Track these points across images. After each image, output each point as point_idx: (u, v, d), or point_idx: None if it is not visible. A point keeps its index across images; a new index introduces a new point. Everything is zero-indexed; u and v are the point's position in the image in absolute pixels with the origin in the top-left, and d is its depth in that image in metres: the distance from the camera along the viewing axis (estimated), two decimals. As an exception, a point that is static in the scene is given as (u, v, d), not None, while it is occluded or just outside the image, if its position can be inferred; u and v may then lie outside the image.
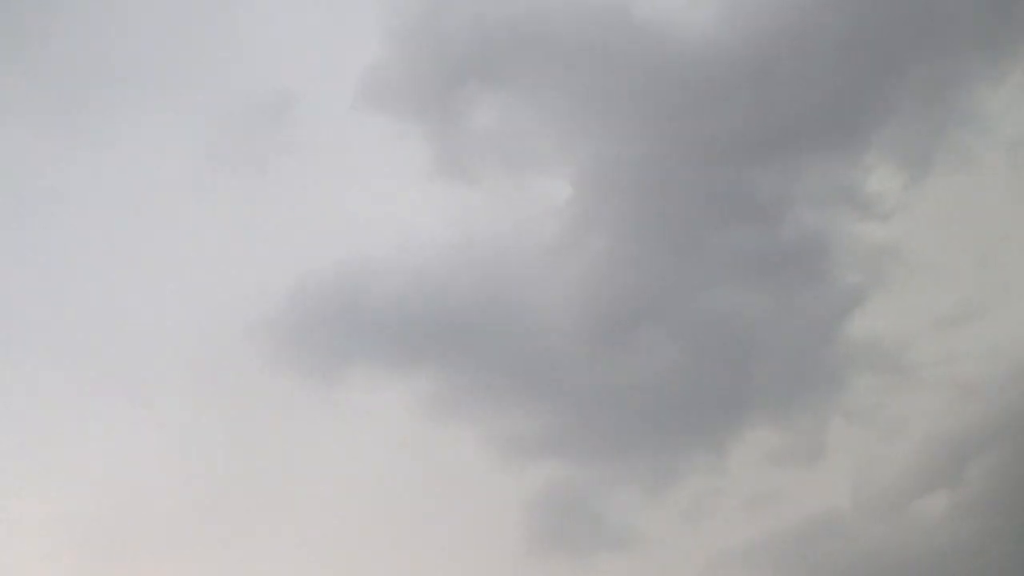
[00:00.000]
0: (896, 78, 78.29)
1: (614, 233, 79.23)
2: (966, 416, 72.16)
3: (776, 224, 78.27)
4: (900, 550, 68.52)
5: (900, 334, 75.78)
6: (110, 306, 78.86)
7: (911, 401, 73.89)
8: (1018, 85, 77.21)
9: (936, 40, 78.33)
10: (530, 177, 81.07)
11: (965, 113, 78.00)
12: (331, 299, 78.35)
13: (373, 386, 77.54)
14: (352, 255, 79.00)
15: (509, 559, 71.98)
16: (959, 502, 69.84)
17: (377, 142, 79.88)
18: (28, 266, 78.27)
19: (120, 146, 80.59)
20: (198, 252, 79.92)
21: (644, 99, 77.63)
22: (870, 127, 78.60)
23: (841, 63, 77.14)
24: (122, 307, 79.27)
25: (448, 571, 71.14)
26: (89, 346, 77.10)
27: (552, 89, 79.19)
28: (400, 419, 76.22)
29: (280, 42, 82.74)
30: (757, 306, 77.49)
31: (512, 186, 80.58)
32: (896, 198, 77.68)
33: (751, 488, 73.54)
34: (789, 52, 76.15)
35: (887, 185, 77.89)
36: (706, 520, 72.91)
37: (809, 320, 77.08)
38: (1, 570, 67.61)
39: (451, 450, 75.42)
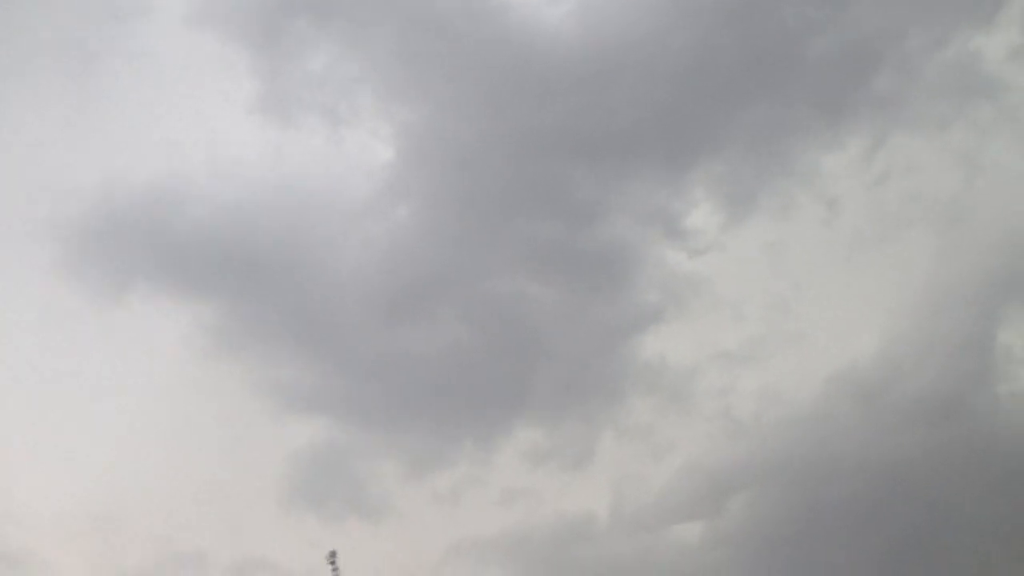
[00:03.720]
0: (735, 115, 79.57)
1: (423, 205, 78.96)
2: (734, 451, 73.40)
3: (586, 227, 78.64)
4: (648, 568, 68.92)
5: (686, 362, 76.82)
6: None
7: (684, 428, 75.10)
8: (849, 148, 79.72)
9: (778, 90, 79.89)
10: (350, 132, 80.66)
11: (794, 164, 79.83)
12: (132, 213, 76.48)
13: (156, 310, 76.33)
14: (163, 173, 77.79)
15: (263, 509, 71.07)
16: (714, 533, 70.88)
17: (206, 64, 79.12)
18: None
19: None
20: (10, 137, 78.29)
21: (480, 77, 77.52)
22: (701, 157, 79.88)
23: (683, 89, 78.01)
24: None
25: (199, 512, 70.16)
26: None
27: (386, 46, 78.72)
28: (176, 349, 75.24)
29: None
30: (551, 303, 77.94)
31: (331, 138, 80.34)
32: (712, 237, 79.15)
33: (511, 483, 73.72)
34: (634, 66, 76.68)
35: (707, 222, 79.31)
36: (461, 506, 72.93)
37: (599, 328, 77.67)
38: None
39: (222, 390, 74.34)
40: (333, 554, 39.56)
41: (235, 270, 77.46)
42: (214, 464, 71.81)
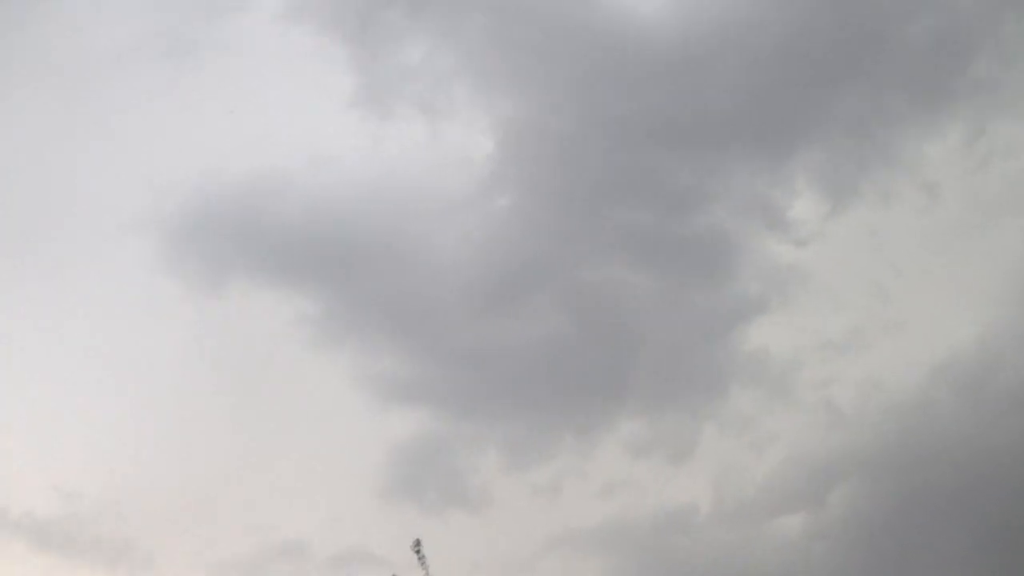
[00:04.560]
0: (833, 102, 78.93)
1: (521, 195, 78.95)
2: (835, 442, 72.73)
3: (685, 215, 78.56)
4: (749, 561, 68.51)
5: (788, 353, 76.10)
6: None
7: (785, 419, 74.45)
8: (949, 135, 78.64)
9: (876, 76, 79.09)
10: (447, 124, 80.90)
11: (894, 152, 79.07)
12: (230, 207, 77.40)
13: (254, 302, 77.07)
14: (260, 165, 78.37)
15: (362, 500, 71.37)
16: (816, 525, 70.31)
17: (302, 58, 79.68)
18: None
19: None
20: (111, 131, 79.53)
21: (575, 66, 77.54)
22: (799, 145, 79.21)
23: (780, 75, 77.49)
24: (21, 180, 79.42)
25: (299, 503, 70.66)
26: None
27: (480, 36, 79.41)
28: (275, 341, 75.93)
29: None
30: (650, 293, 77.59)
31: (429, 130, 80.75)
32: (814, 227, 78.54)
33: (611, 474, 73.26)
34: (730, 52, 76.39)
35: (809, 211, 78.69)
36: (561, 498, 72.56)
37: (700, 319, 77.26)
38: None
39: (322, 381, 74.72)
40: (418, 542, 39.57)
41: (334, 263, 78.22)
42: (315, 454, 72.42)
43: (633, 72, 76.79)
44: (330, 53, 79.90)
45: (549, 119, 77.52)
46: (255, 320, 76.54)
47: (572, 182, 77.96)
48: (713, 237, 77.96)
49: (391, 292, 77.66)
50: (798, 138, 79.25)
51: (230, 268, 78.29)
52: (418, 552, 38.62)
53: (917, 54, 78.32)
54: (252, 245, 78.71)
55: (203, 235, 77.75)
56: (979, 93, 78.31)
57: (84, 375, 73.64)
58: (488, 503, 72.73)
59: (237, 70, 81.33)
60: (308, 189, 78.44)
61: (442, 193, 78.91)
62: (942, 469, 67.71)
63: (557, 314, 77.22)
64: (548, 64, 77.92)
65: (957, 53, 78.36)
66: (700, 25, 76.20)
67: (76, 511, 68.94)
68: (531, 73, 78.48)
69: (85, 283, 76.26)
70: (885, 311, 76.37)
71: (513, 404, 75.98)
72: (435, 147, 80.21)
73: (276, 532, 68.92)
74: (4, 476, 67.64)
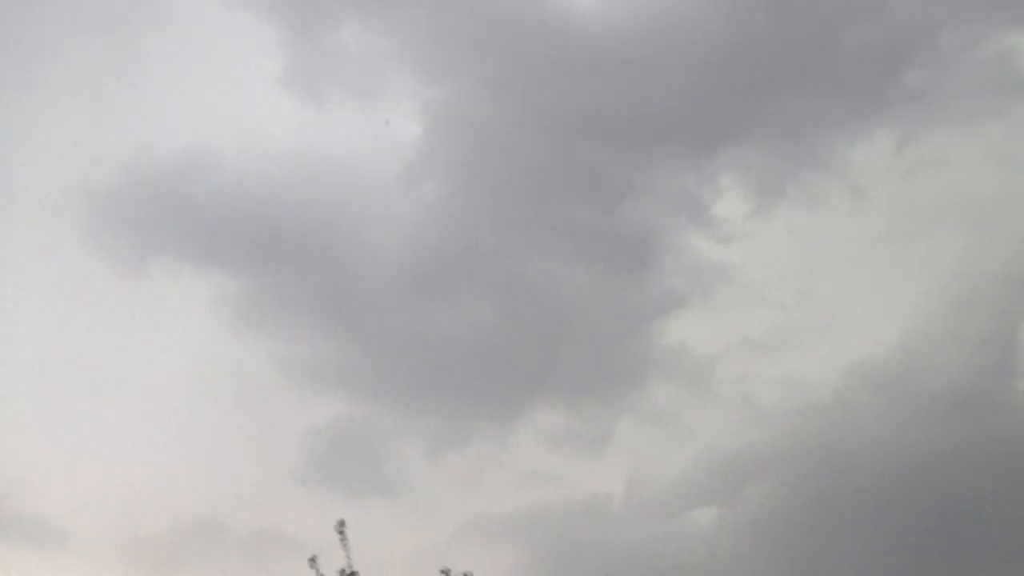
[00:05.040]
0: (767, 104, 79.49)
1: (451, 184, 78.85)
2: (752, 439, 73.07)
3: (615, 210, 78.72)
4: (662, 553, 68.67)
5: (707, 349, 76.67)
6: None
7: (703, 414, 75.03)
8: (879, 141, 79.45)
9: (810, 80, 79.77)
10: (378, 108, 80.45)
11: (823, 155, 79.66)
12: (159, 183, 76.68)
13: (180, 280, 76.66)
14: (191, 145, 77.99)
15: (281, 482, 70.92)
16: (729, 520, 70.75)
17: (235, 36, 79.41)
18: None
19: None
20: (38, 104, 78.50)
21: (512, 57, 77.65)
22: (730, 145, 79.83)
23: (716, 75, 77.88)
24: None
25: (218, 484, 70.16)
26: None
27: (417, 21, 78.88)
28: (198, 321, 75.44)
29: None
30: (577, 284, 77.97)
31: (359, 113, 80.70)
32: (739, 226, 79.05)
33: (528, 464, 73.43)
34: (669, 50, 76.53)
35: (735, 210, 79.09)
36: (478, 486, 72.96)
37: (624, 312, 77.65)
38: None
39: (244, 363, 74.23)
40: (342, 523, 39.35)
41: (260, 243, 77.77)
42: (234, 436, 71.81)
43: (569, 65, 76.98)
44: (262, 32, 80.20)
45: (481, 108, 77.60)
46: (177, 298, 76.23)
47: (502, 172, 78.19)
48: (640, 232, 78.31)
49: (316, 275, 77.59)
50: (727, 137, 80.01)
51: (155, 245, 77.87)
52: (341, 533, 38.45)
53: (851, 60, 78.95)
54: (178, 223, 78.22)
55: (129, 211, 77.12)
56: (911, 101, 78.94)
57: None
58: (406, 489, 72.74)
59: (168, 46, 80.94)
60: (237, 169, 77.85)
61: (371, 177, 78.67)
62: (857, 470, 68.13)
63: (483, 303, 77.59)
64: (484, 53, 78.02)
65: (891, 61, 79.13)
66: (638, 22, 76.39)
67: (-13, 488, 68.18)
68: (466, 61, 78.55)
69: (4, 255, 75.72)
70: (806, 311, 77.35)
71: (435, 392, 75.93)
72: (364, 132, 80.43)
73: (191, 511, 68.32)
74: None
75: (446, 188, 78.16)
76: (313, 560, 36.84)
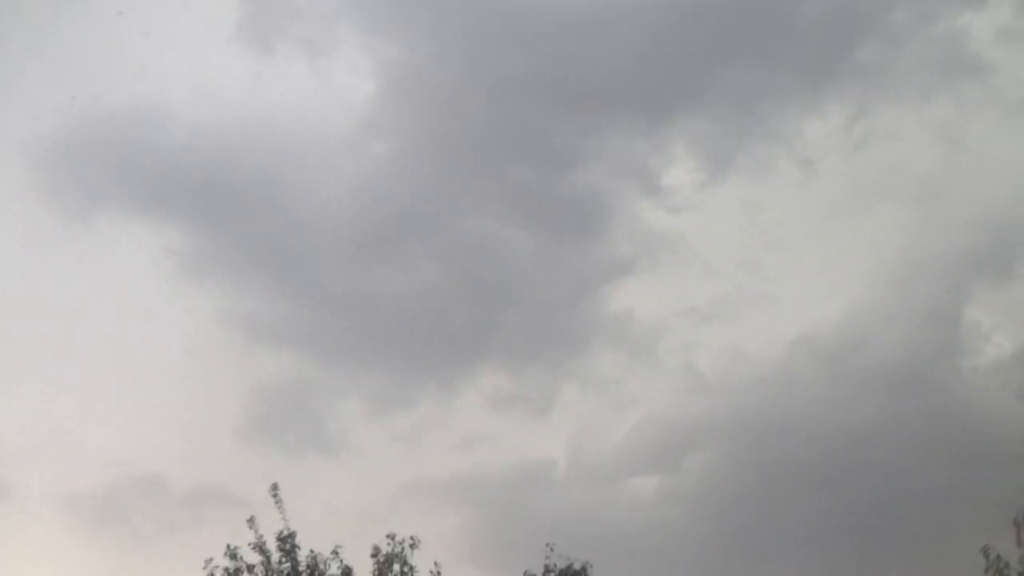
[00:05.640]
0: (719, 74, 79.41)
1: (402, 143, 78.17)
2: (695, 408, 73.72)
3: (563, 174, 78.83)
4: (603, 519, 68.92)
5: (653, 317, 76.73)
6: None
7: (647, 382, 75.44)
8: (830, 115, 79.66)
9: (764, 51, 79.77)
10: (329, 64, 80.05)
11: (774, 127, 79.64)
12: (108, 134, 75.24)
13: (126, 231, 75.94)
14: (140, 94, 76.87)
15: (223, 439, 70.35)
16: (671, 487, 71.14)
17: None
18: None
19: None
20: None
21: (463, 17, 76.81)
22: (681, 114, 79.97)
23: (667, 43, 77.73)
24: None
25: (159, 438, 69.42)
26: None
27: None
28: (143, 272, 74.83)
29: None
30: (524, 248, 77.88)
31: (311, 70, 79.69)
32: (689, 195, 78.83)
33: (471, 426, 73.34)
34: (619, 15, 76.20)
35: (685, 180, 78.83)
36: (420, 447, 72.42)
37: (570, 277, 77.85)
38: None
39: (188, 316, 73.80)
40: (275, 486, 39.06)
41: (208, 197, 76.71)
42: (176, 390, 70.93)
43: (521, 28, 76.36)
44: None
45: (433, 67, 76.91)
46: (123, 250, 75.46)
47: (452, 133, 77.59)
48: (589, 197, 78.07)
49: (264, 231, 76.75)
50: (680, 106, 79.93)
51: (102, 197, 76.73)
52: (275, 496, 38.12)
53: (805, 32, 78.67)
54: (126, 175, 76.99)
55: (76, 163, 75.98)
56: (864, 75, 79.13)
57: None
58: (347, 449, 72.22)
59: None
60: (188, 121, 76.53)
61: (321, 134, 78.06)
62: (799, 442, 68.58)
63: (430, 264, 77.15)
64: (437, 12, 77.34)
65: (846, 34, 78.92)
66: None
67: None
68: (418, 20, 77.85)
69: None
70: (753, 282, 77.25)
71: (379, 352, 75.77)
72: (316, 88, 79.58)
73: (133, 466, 67.41)
74: None
75: (396, 148, 77.59)
76: (251, 521, 36.41)
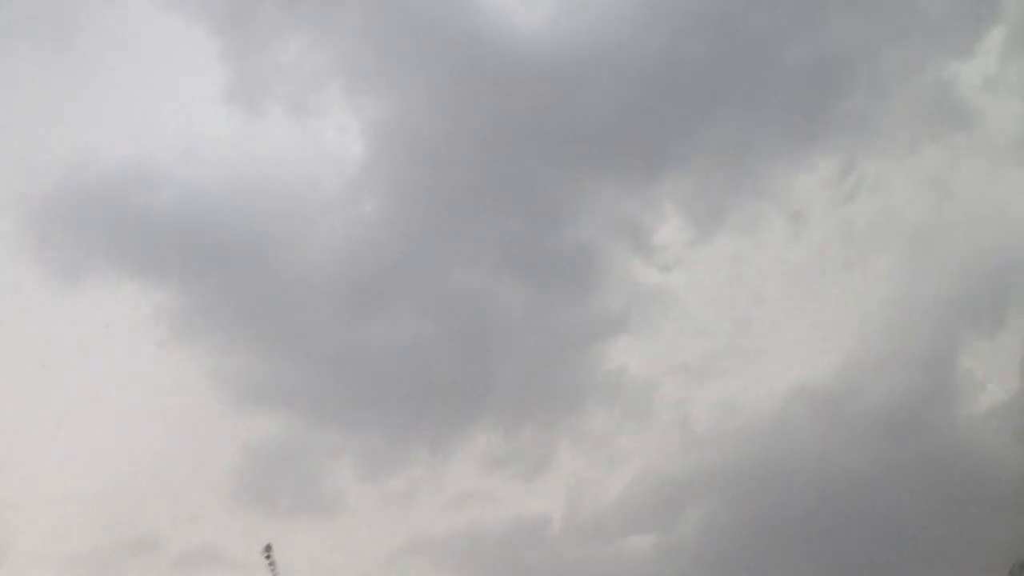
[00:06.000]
0: (707, 126, 79.72)
1: (390, 200, 78.58)
2: (689, 463, 73.47)
3: (555, 230, 79.06)
4: (598, 574, 68.84)
5: (646, 373, 77.01)
6: None
7: (641, 438, 75.31)
8: (819, 168, 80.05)
9: (751, 102, 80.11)
10: (317, 124, 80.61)
11: (764, 181, 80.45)
12: (99, 192, 76.26)
13: (117, 293, 75.77)
14: (133, 155, 77.55)
15: (216, 500, 70.59)
16: (667, 544, 70.81)
17: (179, 48, 78.90)
18: None
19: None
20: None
21: (451, 74, 77.75)
22: (670, 169, 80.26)
23: (654, 96, 78.05)
24: None
25: (152, 500, 69.72)
26: None
27: (359, 38, 78.81)
28: (134, 332, 74.72)
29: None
30: (516, 303, 78.02)
31: (299, 129, 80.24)
32: (680, 252, 79.52)
33: (466, 486, 73.59)
34: (606, 70, 76.66)
35: (676, 238, 79.65)
36: (414, 507, 72.65)
37: (562, 333, 77.62)
38: None
39: (179, 377, 73.57)
40: (268, 547, 39.05)
41: (199, 257, 77.03)
42: (169, 452, 71.51)
43: (509, 83, 76.93)
44: (205, 44, 79.24)
45: (422, 124, 77.50)
46: (113, 311, 75.14)
47: (442, 188, 77.96)
48: (580, 253, 78.65)
49: (254, 290, 76.93)
50: (669, 162, 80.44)
51: (91, 257, 77.06)
52: (268, 557, 38.00)
53: (792, 85, 79.78)
54: (116, 235, 77.43)
55: (67, 222, 76.30)
56: (851, 127, 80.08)
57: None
58: (342, 509, 72.57)
59: (110, 55, 79.91)
60: (178, 181, 77.59)
61: (310, 193, 78.62)
62: (794, 492, 68.65)
63: (421, 321, 77.30)
64: (424, 69, 77.91)
65: (832, 86, 79.97)
66: (579, 42, 76.55)
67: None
68: (406, 78, 78.45)
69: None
70: (744, 337, 78.01)
71: (371, 411, 75.78)
72: (305, 147, 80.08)
73: (127, 528, 68.39)
74: None
75: (386, 205, 78.09)
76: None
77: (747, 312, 79.15)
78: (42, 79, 79.09)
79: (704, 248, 79.52)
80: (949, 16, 78.98)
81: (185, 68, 79.53)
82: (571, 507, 72.80)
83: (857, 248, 79.40)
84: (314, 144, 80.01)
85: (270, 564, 39.99)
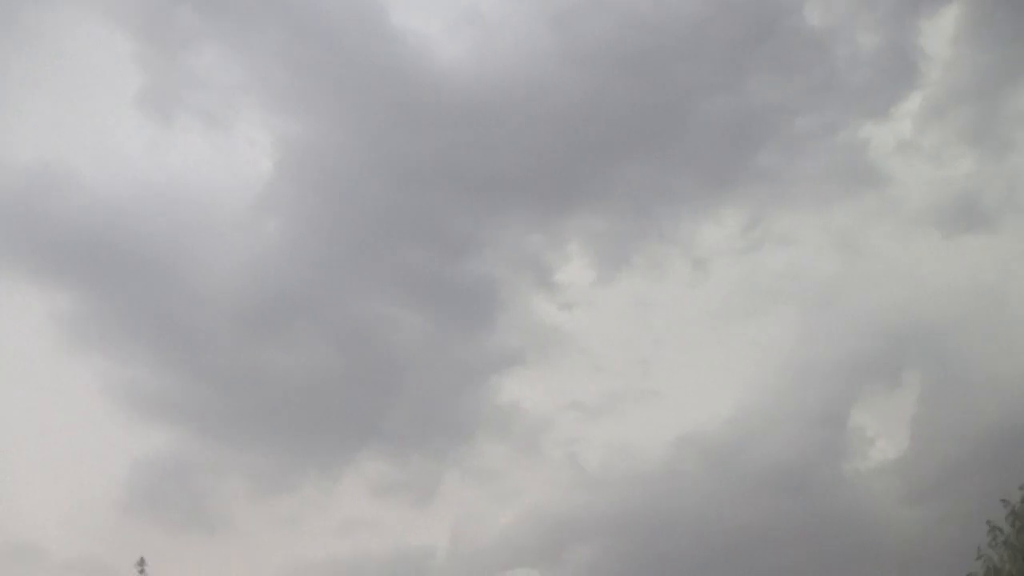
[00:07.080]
0: (617, 172, 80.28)
1: (295, 221, 78.07)
2: (578, 502, 73.64)
3: (459, 262, 79.17)
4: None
5: (539, 410, 77.06)
6: None
7: (530, 474, 75.57)
8: (727, 220, 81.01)
9: (663, 152, 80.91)
10: (228, 138, 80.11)
11: (670, 229, 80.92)
12: (3, 196, 74.52)
13: (14, 295, 74.27)
14: (38, 158, 75.75)
15: (103, 511, 69.60)
16: (549, 584, 70.73)
17: (90, 50, 78.11)
18: None
19: None
20: None
21: (366, 99, 77.34)
22: (578, 210, 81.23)
23: (567, 138, 78.69)
24: None
25: (37, 507, 68.45)
26: None
27: (275, 54, 78.04)
28: (27, 337, 73.62)
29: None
30: (415, 333, 77.71)
31: (210, 142, 79.80)
32: (582, 293, 79.64)
33: (353, 512, 73.58)
34: (526, 109, 76.81)
35: (578, 277, 79.63)
36: (301, 530, 72.08)
37: (458, 365, 77.63)
38: None
39: (71, 384, 72.48)
40: (142, 561, 38.75)
41: (101, 264, 75.67)
42: (57, 461, 70.13)
43: (425, 114, 76.85)
44: (118, 47, 77.57)
45: (332, 148, 76.92)
46: (8, 314, 74.07)
47: (348, 214, 77.49)
48: (482, 286, 78.45)
49: (154, 301, 75.65)
50: (576, 202, 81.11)
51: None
52: (141, 571, 37.80)
53: (707, 136, 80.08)
54: (18, 235, 75.40)
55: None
56: (762, 181, 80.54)
57: None
58: (229, 528, 71.80)
59: (19, 57, 78.77)
60: (86, 186, 75.88)
61: (218, 208, 77.49)
62: (683, 539, 68.91)
63: (320, 346, 76.95)
64: (339, 92, 77.61)
65: (747, 141, 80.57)
66: (499, 78, 76.41)
67: None
68: (320, 99, 78.03)
69: None
70: (641, 380, 78.01)
71: (264, 431, 74.97)
72: (215, 160, 79.73)
73: (11, 534, 66.12)
74: None
75: (290, 226, 77.40)
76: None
77: (645, 355, 79.31)
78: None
79: (607, 288, 79.53)
80: (868, 79, 79.68)
81: (98, 71, 78.66)
82: (457, 539, 72.41)
83: (759, 299, 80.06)
84: (223, 157, 79.89)
85: (143, 576, 39.66)
